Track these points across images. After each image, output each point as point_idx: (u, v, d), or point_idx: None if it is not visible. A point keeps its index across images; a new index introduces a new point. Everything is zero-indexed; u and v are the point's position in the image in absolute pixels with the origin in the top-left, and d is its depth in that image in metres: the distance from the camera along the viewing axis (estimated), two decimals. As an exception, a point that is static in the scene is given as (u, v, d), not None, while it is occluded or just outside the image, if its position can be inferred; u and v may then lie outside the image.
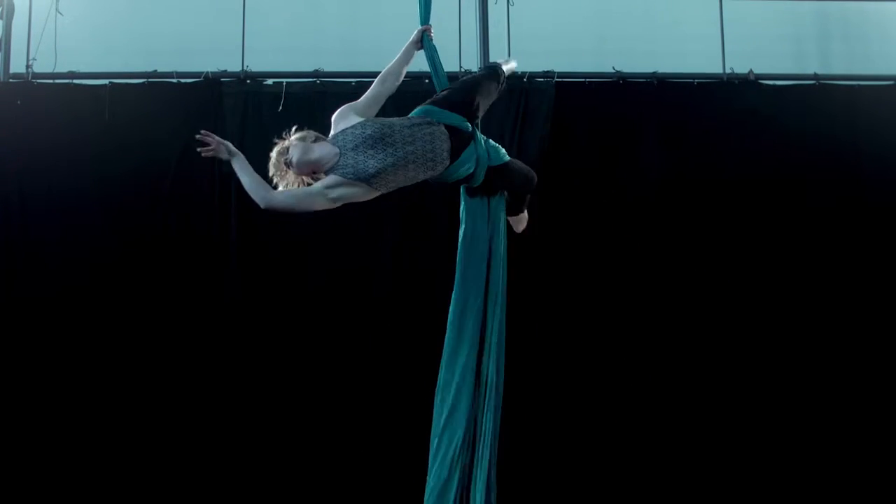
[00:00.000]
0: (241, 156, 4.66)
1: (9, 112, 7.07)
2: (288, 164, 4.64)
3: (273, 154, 4.72)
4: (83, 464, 6.82)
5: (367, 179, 4.57)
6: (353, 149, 4.61)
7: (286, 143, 4.73)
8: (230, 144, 4.64)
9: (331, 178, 4.59)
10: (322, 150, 4.65)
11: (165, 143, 7.09)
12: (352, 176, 4.57)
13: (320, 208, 4.60)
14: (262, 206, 4.53)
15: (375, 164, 4.57)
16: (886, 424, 7.20)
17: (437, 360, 4.99)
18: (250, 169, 4.61)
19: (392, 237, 7.16)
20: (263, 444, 6.91)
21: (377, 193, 4.66)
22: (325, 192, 4.57)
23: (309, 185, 4.65)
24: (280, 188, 4.64)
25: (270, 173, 4.69)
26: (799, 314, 7.26)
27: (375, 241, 7.17)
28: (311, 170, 4.65)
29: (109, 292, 6.98)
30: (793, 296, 7.28)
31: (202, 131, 4.66)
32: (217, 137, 4.69)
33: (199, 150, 4.66)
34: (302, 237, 7.12)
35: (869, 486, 7.13)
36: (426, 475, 4.88)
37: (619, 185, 7.30)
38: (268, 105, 7.16)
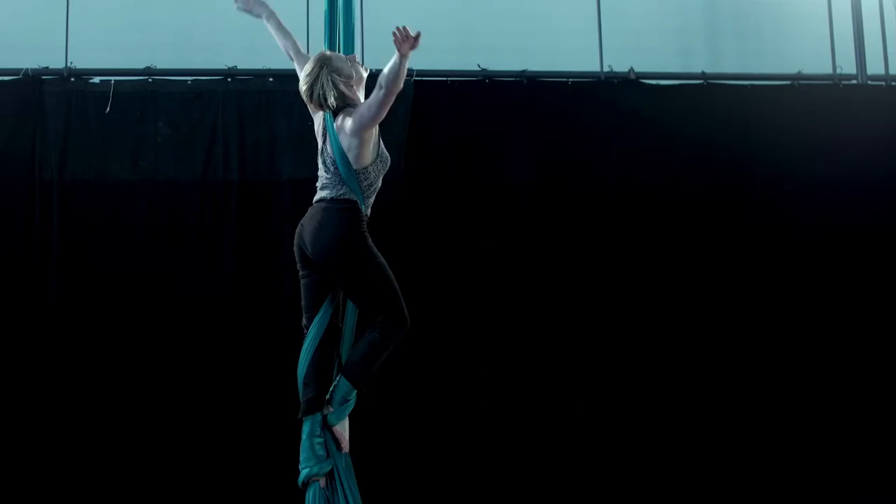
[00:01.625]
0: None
1: None
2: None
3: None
4: None
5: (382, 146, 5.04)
6: None
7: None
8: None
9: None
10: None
11: (-23, 148, 7.14)
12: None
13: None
14: (390, 97, 4.74)
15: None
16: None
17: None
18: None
19: (231, 250, 7.14)
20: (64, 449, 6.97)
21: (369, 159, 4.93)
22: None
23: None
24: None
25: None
26: (676, 324, 7.46)
27: (211, 258, 7.20)
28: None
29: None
30: (671, 303, 7.45)
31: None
32: None
33: None
34: (132, 255, 7.17)
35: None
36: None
37: (485, 193, 7.43)
38: (94, 105, 7.23)
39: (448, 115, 7.40)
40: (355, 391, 4.90)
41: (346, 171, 4.85)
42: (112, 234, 7.15)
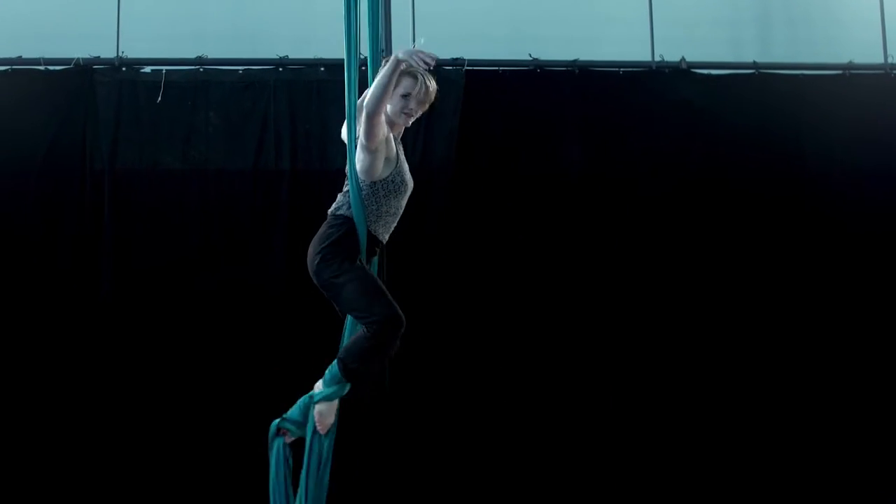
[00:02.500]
0: None
1: None
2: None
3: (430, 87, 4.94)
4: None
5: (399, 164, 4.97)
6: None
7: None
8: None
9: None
10: None
11: (31, 137, 7.21)
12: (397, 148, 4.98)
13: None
14: (374, 114, 4.69)
15: None
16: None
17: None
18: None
19: (282, 241, 7.21)
20: (136, 441, 7.06)
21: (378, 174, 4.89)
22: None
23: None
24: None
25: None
26: (732, 316, 7.49)
27: (262, 248, 7.28)
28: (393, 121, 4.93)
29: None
30: (726, 298, 7.48)
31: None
32: None
33: None
34: (184, 244, 7.26)
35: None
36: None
37: (535, 183, 7.47)
38: (145, 95, 7.30)
39: (499, 105, 7.45)
40: (347, 383, 4.91)
41: (353, 181, 4.86)
42: (163, 223, 7.23)
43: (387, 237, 5.02)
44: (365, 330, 4.81)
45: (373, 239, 4.93)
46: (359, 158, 4.84)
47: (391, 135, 4.91)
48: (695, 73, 7.62)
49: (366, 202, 4.87)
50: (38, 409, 7.07)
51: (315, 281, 4.93)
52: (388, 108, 4.85)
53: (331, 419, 4.99)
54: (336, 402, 4.98)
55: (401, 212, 5.02)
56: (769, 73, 7.68)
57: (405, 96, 4.87)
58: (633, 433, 7.37)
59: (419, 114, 4.98)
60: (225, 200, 7.28)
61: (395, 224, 5.03)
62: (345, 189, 4.98)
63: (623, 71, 7.57)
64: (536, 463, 7.29)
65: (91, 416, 7.08)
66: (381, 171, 4.86)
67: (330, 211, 4.99)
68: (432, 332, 7.04)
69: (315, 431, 4.94)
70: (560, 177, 7.47)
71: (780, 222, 7.56)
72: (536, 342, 7.35)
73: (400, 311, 4.80)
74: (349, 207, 4.88)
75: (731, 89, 7.62)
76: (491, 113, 7.45)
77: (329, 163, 7.19)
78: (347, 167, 4.90)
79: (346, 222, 4.88)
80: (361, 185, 4.85)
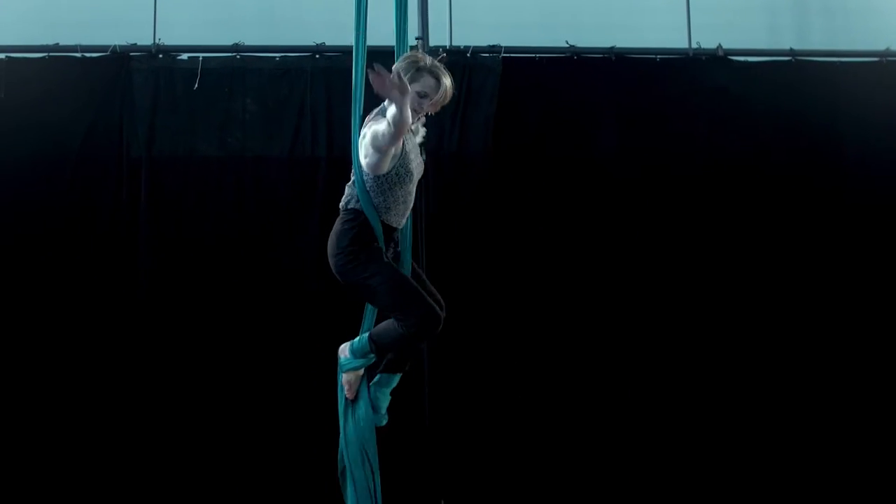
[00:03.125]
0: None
1: None
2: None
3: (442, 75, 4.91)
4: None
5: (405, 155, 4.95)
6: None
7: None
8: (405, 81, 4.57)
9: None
10: None
11: (68, 125, 7.25)
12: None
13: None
14: (395, 139, 4.71)
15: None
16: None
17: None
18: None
19: (318, 228, 7.25)
20: (172, 442, 7.14)
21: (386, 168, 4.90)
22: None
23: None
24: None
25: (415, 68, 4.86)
26: (769, 307, 7.51)
27: (298, 236, 7.32)
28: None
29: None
30: (763, 289, 7.52)
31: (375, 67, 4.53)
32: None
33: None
34: (220, 232, 7.32)
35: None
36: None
37: (572, 170, 7.49)
38: (182, 82, 7.33)
39: (535, 93, 7.47)
40: (373, 356, 5.08)
41: (358, 176, 4.91)
42: (199, 210, 7.28)
43: (403, 222, 5.06)
44: (399, 326, 4.87)
45: (388, 228, 4.97)
46: (365, 154, 4.86)
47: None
48: (731, 60, 7.64)
49: (371, 193, 4.90)
50: (74, 398, 7.12)
51: (340, 279, 5.00)
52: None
53: (358, 384, 5.18)
54: (362, 370, 5.17)
55: (411, 197, 5.05)
56: (806, 60, 7.68)
57: (423, 96, 4.88)
58: (669, 416, 7.44)
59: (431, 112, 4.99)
60: (261, 187, 7.32)
61: (408, 209, 5.06)
62: (351, 180, 5.01)
63: (660, 58, 7.59)
64: (569, 444, 7.37)
65: (129, 402, 7.13)
66: (386, 167, 4.89)
67: (341, 205, 5.04)
68: (470, 319, 7.08)
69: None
70: (596, 163, 7.49)
71: (815, 210, 7.57)
72: (577, 330, 7.38)
73: (437, 310, 4.86)
74: (358, 200, 4.93)
75: (768, 76, 7.63)
76: (527, 100, 7.47)
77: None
78: (352, 158, 4.95)
79: (358, 216, 4.93)
80: (366, 178, 4.90)
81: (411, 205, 5.09)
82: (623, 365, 7.41)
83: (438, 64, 4.95)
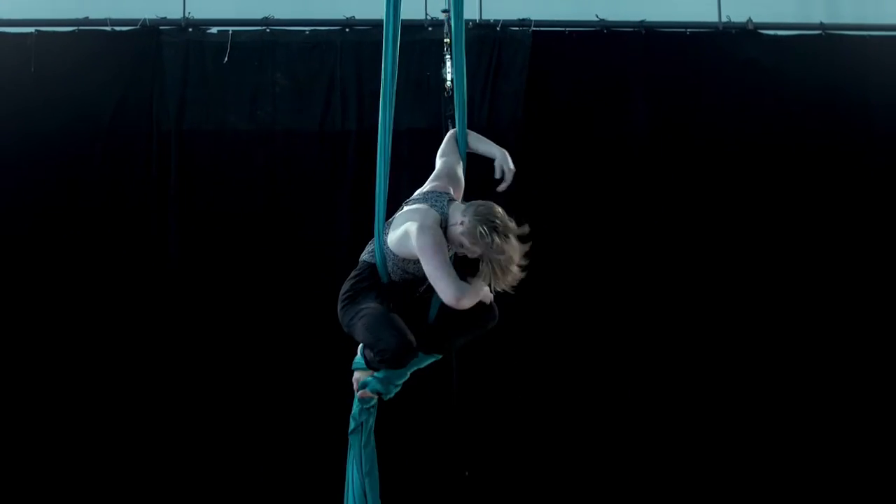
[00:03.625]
0: None
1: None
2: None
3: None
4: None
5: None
6: None
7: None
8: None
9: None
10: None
11: (97, 98, 7.31)
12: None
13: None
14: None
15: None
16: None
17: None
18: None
19: (348, 202, 7.29)
20: (205, 415, 7.23)
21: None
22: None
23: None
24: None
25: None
26: (798, 287, 7.51)
27: (328, 209, 7.36)
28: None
29: (27, 260, 7.23)
30: (792, 267, 7.52)
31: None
32: None
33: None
34: (250, 206, 7.37)
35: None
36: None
37: (601, 144, 7.51)
38: (212, 56, 7.36)
39: (565, 66, 7.48)
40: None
41: (378, 244, 4.88)
42: (229, 183, 7.33)
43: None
44: (374, 356, 4.82)
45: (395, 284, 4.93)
46: (401, 246, 4.78)
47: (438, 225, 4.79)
48: (761, 33, 7.62)
49: (389, 262, 4.86)
50: (103, 373, 7.21)
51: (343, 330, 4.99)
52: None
53: (359, 386, 5.09)
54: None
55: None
56: (836, 34, 7.67)
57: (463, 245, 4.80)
58: (698, 387, 7.47)
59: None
60: (291, 161, 7.36)
61: (421, 275, 4.86)
62: (373, 239, 4.96)
63: (689, 32, 7.59)
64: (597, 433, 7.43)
65: (160, 375, 7.22)
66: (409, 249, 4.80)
67: (360, 258, 5.03)
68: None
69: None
70: (626, 137, 7.50)
71: (845, 184, 7.56)
72: (604, 305, 7.41)
73: (406, 341, 4.67)
74: (373, 256, 4.92)
75: (798, 50, 7.62)
76: (557, 74, 7.48)
77: (396, 123, 7.20)
78: (375, 227, 4.90)
79: (367, 268, 4.93)
80: (386, 251, 4.86)
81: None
82: (654, 340, 7.44)
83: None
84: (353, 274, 4.99)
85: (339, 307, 4.96)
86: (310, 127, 7.36)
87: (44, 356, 7.20)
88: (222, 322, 7.27)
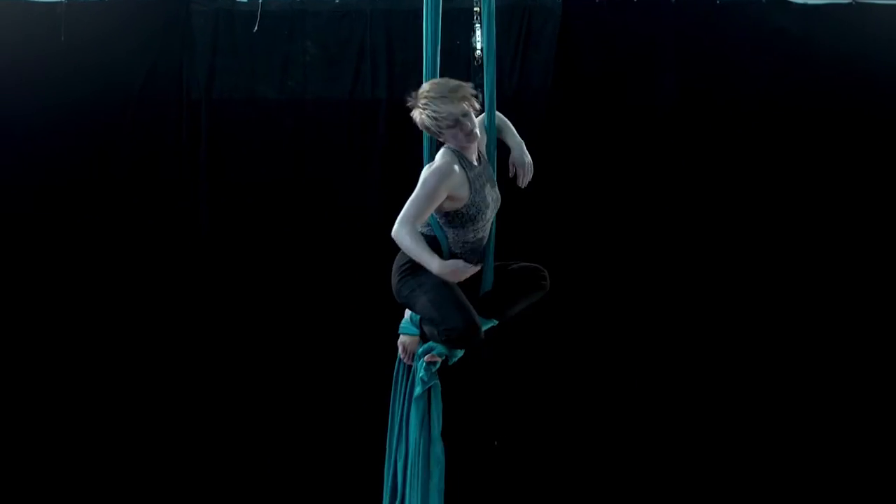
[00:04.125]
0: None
1: (-48, 35, 7.29)
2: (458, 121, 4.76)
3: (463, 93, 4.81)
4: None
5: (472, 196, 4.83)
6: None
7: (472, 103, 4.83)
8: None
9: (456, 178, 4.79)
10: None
11: (127, 67, 7.33)
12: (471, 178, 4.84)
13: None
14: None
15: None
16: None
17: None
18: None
19: (378, 171, 7.33)
20: (240, 387, 7.35)
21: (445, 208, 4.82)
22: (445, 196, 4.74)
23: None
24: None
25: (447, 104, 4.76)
26: (829, 258, 7.55)
27: (358, 179, 7.41)
28: (465, 140, 4.83)
29: (59, 227, 7.30)
30: (823, 234, 7.56)
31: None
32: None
33: None
34: (280, 174, 7.42)
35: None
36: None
37: (631, 112, 7.51)
38: (241, 24, 7.35)
39: (595, 35, 7.47)
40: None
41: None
42: (259, 152, 7.37)
43: (479, 254, 4.98)
44: (437, 334, 4.85)
45: (455, 255, 4.90)
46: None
47: (456, 168, 4.80)
48: (791, 2, 7.57)
49: (444, 228, 4.89)
50: (136, 340, 7.33)
51: (397, 300, 5.03)
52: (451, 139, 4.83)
53: (415, 348, 5.15)
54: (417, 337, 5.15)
55: (483, 229, 4.95)
56: (867, 2, 7.61)
57: (453, 125, 4.78)
58: (728, 365, 7.54)
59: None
60: (321, 129, 7.39)
61: (481, 239, 4.95)
62: None
63: (720, 0, 7.59)
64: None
65: (193, 342, 7.34)
66: (443, 208, 4.83)
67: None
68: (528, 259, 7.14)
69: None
70: (656, 107, 7.51)
71: (877, 154, 7.56)
72: (634, 274, 7.48)
73: (473, 321, 4.73)
74: (431, 228, 4.91)
75: (828, 19, 7.57)
76: (587, 43, 7.47)
77: (426, 92, 7.26)
78: None
79: (428, 240, 4.86)
80: (435, 222, 4.89)
81: (486, 234, 4.99)
82: (682, 311, 7.51)
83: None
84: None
85: (395, 278, 4.95)
86: (340, 96, 7.38)
87: (72, 327, 7.29)
88: (252, 290, 7.34)
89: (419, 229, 4.72)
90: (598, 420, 7.49)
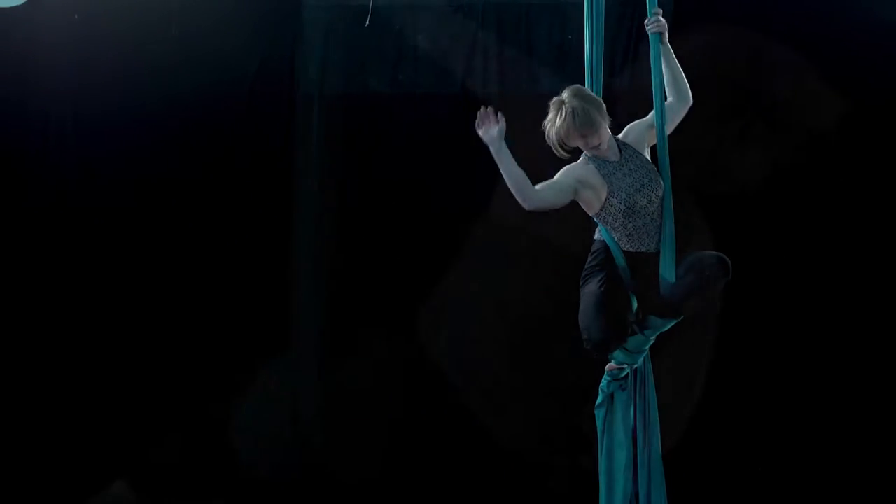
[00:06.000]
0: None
1: (65, 27, 7.42)
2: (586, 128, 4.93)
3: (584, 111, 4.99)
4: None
5: (610, 187, 4.93)
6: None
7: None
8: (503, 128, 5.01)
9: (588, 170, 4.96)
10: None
11: (239, 62, 7.50)
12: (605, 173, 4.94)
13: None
14: (526, 206, 4.92)
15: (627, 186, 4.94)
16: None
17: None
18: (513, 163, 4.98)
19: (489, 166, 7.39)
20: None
21: (597, 207, 4.98)
22: (577, 186, 4.94)
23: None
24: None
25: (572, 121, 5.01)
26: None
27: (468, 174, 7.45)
28: (591, 142, 4.97)
29: (168, 219, 7.52)
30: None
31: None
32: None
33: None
34: (392, 169, 7.57)
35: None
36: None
37: (748, 100, 7.55)
38: (352, 20, 7.43)
39: (709, 25, 7.33)
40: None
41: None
42: (372, 147, 7.52)
43: (653, 246, 4.99)
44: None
45: (630, 254, 4.98)
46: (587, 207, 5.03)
47: (590, 167, 4.97)
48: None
49: (606, 227, 4.99)
50: (236, 330, 7.56)
51: None
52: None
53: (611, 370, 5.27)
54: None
55: (648, 224, 4.96)
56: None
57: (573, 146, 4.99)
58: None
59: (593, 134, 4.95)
60: (433, 124, 7.49)
61: (649, 233, 4.98)
62: None
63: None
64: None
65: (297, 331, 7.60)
66: (593, 206, 4.98)
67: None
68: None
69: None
70: (773, 93, 7.49)
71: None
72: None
73: (602, 340, 4.88)
74: (603, 240, 5.02)
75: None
76: (701, 33, 7.34)
77: (538, 86, 7.33)
78: None
79: (600, 247, 5.03)
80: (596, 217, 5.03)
81: (654, 228, 5.00)
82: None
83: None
84: (591, 249, 5.11)
85: (581, 283, 5.09)
86: (451, 90, 7.47)
87: (177, 320, 7.54)
88: (363, 284, 7.54)
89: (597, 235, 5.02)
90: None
